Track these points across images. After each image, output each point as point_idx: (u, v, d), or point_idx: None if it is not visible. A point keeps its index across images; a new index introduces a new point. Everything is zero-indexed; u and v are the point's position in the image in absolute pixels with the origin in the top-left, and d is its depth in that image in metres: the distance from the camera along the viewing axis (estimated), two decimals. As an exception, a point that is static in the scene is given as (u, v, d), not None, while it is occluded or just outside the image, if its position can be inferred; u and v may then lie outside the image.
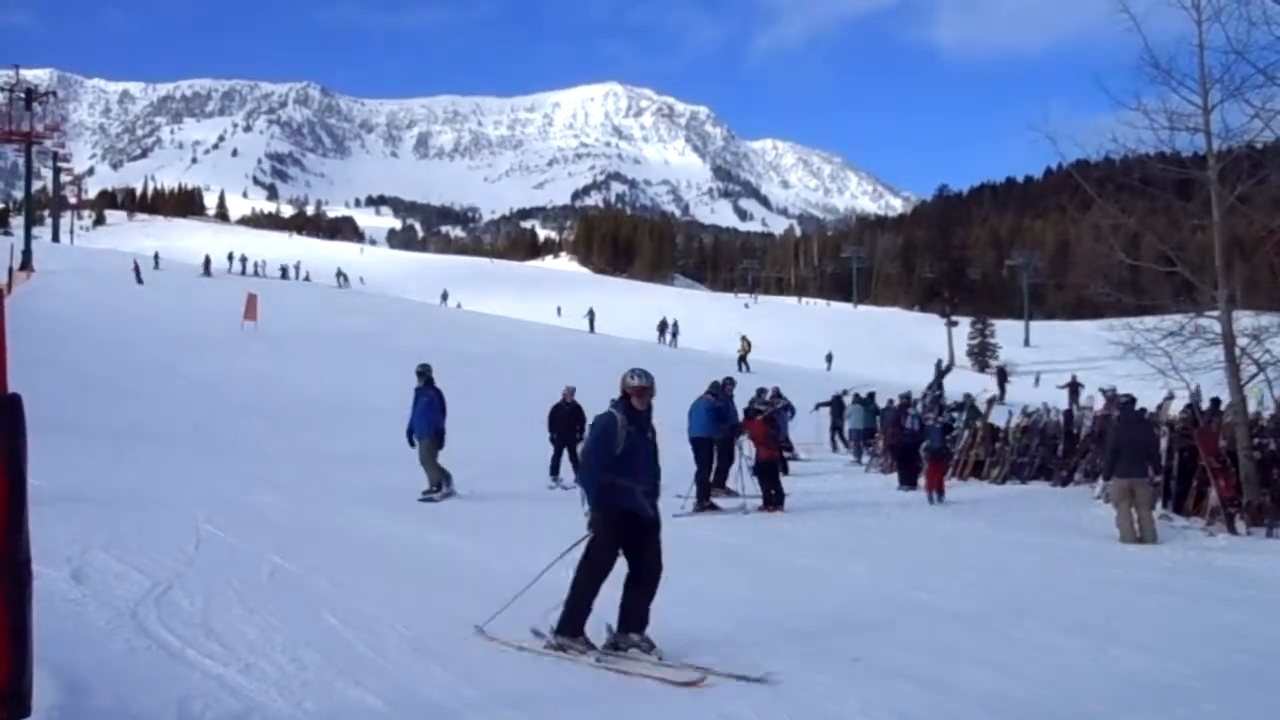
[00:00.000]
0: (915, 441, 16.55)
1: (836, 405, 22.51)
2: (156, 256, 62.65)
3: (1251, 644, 6.67)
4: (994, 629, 6.81)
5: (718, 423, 13.85)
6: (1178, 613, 7.71)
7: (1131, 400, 12.63)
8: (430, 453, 12.72)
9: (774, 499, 13.20)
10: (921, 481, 15.80)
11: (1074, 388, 30.10)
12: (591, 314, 52.78)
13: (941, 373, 37.27)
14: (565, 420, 14.90)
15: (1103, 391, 18.57)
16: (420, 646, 5.55)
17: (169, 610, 5.76)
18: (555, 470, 14.72)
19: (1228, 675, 5.80)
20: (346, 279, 74.16)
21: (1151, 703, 5.24)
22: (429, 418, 12.83)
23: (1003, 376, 37.21)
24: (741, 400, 16.17)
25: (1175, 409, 15.27)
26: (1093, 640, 6.41)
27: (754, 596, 7.69)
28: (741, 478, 13.77)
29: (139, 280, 47.31)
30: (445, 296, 67.52)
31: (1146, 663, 5.97)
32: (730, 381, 15.61)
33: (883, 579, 8.57)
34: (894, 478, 16.81)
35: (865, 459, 20.40)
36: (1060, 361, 50.25)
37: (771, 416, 14.25)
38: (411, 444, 12.95)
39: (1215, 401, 14.47)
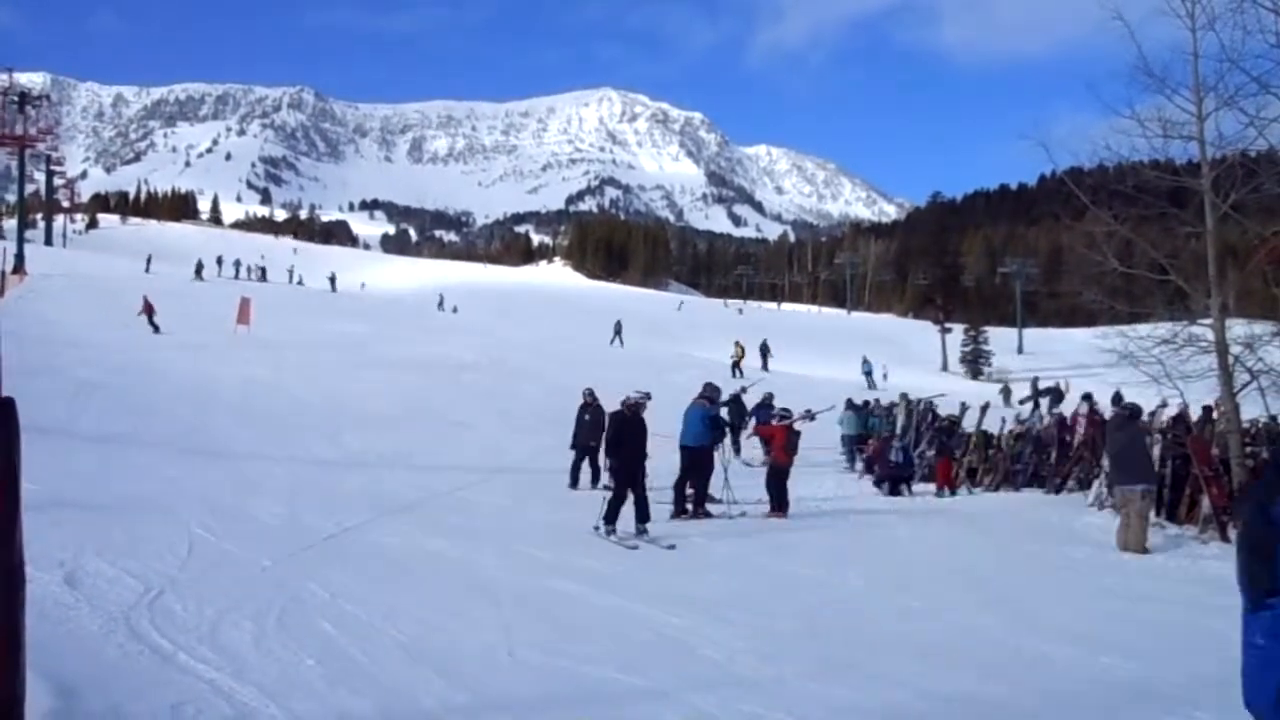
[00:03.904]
0: (900, 476, 16.98)
1: (735, 405, 20.30)
2: (149, 260, 62.58)
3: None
4: (987, 636, 6.82)
5: (713, 430, 13.23)
6: (1170, 621, 7.73)
7: (1126, 408, 12.51)
8: None
9: (779, 505, 13.20)
10: (920, 487, 17.03)
11: (1057, 394, 29.87)
12: (618, 325, 51.47)
13: (1040, 392, 33.27)
14: (635, 438, 10.91)
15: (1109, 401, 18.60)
16: (415, 653, 5.54)
17: (162, 615, 5.73)
18: (613, 516, 10.28)
19: (1220, 683, 5.77)
20: (335, 283, 73.75)
21: (1144, 710, 5.26)
22: None
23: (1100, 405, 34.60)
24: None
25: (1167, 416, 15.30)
26: (1086, 648, 6.43)
27: (748, 603, 7.68)
28: (727, 484, 13.53)
29: None
30: (441, 301, 67.26)
31: (1139, 670, 5.99)
32: (715, 389, 14.19)
33: (876, 586, 8.58)
34: (885, 484, 17.17)
35: (859, 465, 20.39)
36: (1053, 369, 50.37)
37: (792, 424, 14.13)
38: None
39: (1207, 409, 14.50)
